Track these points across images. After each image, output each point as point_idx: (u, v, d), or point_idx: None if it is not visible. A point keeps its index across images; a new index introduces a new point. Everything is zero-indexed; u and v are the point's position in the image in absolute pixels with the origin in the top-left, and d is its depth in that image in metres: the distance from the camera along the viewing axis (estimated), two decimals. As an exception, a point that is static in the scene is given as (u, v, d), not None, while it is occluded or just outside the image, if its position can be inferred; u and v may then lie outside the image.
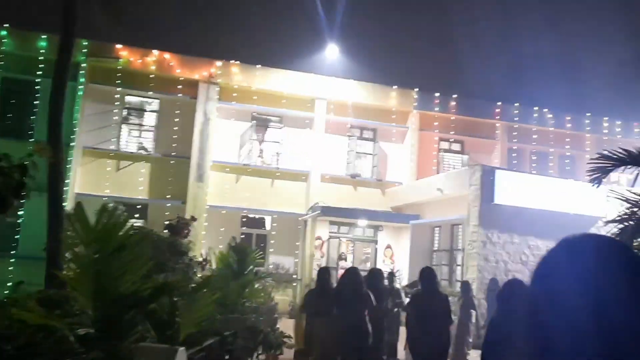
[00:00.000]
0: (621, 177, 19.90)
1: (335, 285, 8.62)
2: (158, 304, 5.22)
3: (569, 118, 22.63)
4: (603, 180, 13.07)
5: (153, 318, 5.13)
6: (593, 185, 15.38)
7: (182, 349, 4.45)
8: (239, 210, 20.65)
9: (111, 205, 5.22)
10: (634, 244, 11.79)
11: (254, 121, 21.71)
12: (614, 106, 21.40)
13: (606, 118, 22.57)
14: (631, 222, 12.15)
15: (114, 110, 20.39)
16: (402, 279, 17.88)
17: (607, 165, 11.97)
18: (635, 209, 12.17)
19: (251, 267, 10.88)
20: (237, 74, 21.01)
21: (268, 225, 21.21)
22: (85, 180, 19.50)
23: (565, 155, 22.96)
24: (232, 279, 9.65)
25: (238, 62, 21.10)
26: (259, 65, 21.23)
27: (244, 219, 21.04)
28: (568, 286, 0.99)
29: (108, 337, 4.35)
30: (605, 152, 12.57)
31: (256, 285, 10.84)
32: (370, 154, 22.64)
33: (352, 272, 8.09)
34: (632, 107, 21.50)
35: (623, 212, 12.66)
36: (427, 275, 7.74)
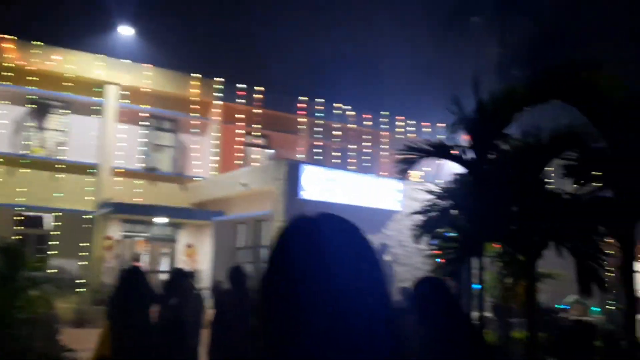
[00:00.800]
0: (413, 173, 20.82)
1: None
2: None
3: (368, 116, 23.34)
4: (403, 174, 13.26)
5: None
6: (399, 178, 15.61)
7: None
8: (13, 208, 17.79)
9: None
10: (438, 231, 12.06)
11: (32, 106, 18.95)
12: (408, 106, 22.50)
13: (401, 117, 23.69)
14: (434, 213, 12.45)
15: None
16: (205, 279, 16.80)
17: (413, 156, 12.15)
18: (438, 200, 12.49)
19: (26, 272, 9.37)
20: (11, 51, 18.11)
21: (50, 225, 18.61)
22: None
23: (364, 152, 23.65)
24: (0, 287, 8.25)
25: (12, 37, 18.21)
26: (39, 43, 18.54)
27: (20, 218, 18.19)
28: (300, 269, 0.97)
29: None
30: (411, 144, 12.77)
31: (32, 293, 9.42)
32: (170, 146, 21.12)
33: (133, 272, 7.18)
34: (423, 107, 22.83)
35: (427, 203, 12.96)
36: (234, 275, 7.42)
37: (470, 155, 11.52)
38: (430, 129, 22.83)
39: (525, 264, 9.71)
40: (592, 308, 19.88)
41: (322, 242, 1.01)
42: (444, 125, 12.95)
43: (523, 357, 10.76)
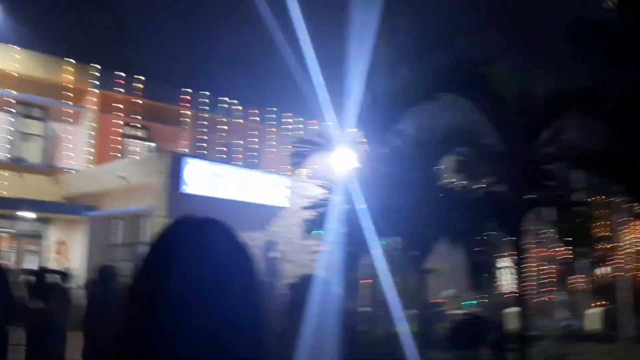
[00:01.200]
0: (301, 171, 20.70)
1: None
2: None
3: (256, 111, 22.86)
4: (296, 167, 13.06)
5: None
6: (287, 174, 15.31)
7: None
8: None
9: None
10: (328, 227, 11.94)
11: None
12: (295, 103, 22.29)
13: (288, 114, 23.43)
14: (324, 208, 12.34)
15: None
16: (77, 278, 15.61)
17: (305, 149, 11.97)
18: (329, 196, 12.39)
19: None
20: None
21: None
22: None
23: (251, 147, 23.17)
24: None
25: None
26: None
27: None
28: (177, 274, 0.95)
29: None
30: (304, 137, 12.60)
31: None
32: (39, 136, 19.40)
33: None
34: (309, 104, 22.71)
35: (317, 199, 12.83)
36: (104, 274, 7.21)
37: (363, 149, 11.55)
38: (317, 127, 22.76)
39: (417, 259, 9.83)
40: (469, 301, 20.85)
41: (200, 248, 0.98)
42: (331, 123, 12.85)
43: (408, 351, 10.88)
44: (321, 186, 11.97)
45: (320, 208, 12.36)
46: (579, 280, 22.46)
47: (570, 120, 7.52)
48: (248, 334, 0.96)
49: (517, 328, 10.38)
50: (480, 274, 9.13)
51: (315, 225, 12.45)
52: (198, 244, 0.98)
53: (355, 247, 11.41)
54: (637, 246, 21.29)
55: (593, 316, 18.65)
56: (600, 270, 22.36)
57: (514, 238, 7.95)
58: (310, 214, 12.69)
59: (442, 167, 9.66)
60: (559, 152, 7.66)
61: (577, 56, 7.26)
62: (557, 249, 19.71)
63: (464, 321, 9.50)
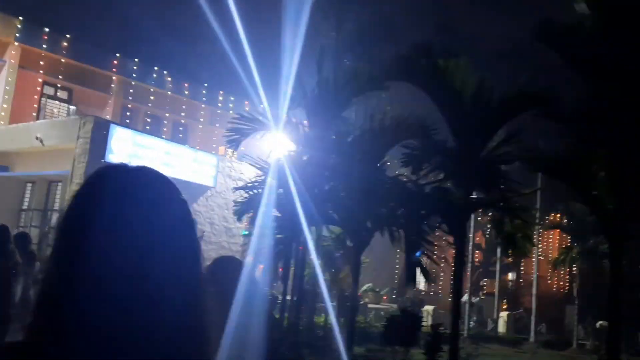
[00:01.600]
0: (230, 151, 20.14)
1: None
2: None
3: (187, 85, 21.91)
4: (233, 145, 12.53)
5: None
6: (230, 148, 14.70)
7: None
8: None
9: None
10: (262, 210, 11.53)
11: None
12: (230, 81, 21.55)
13: (221, 92, 22.61)
14: (260, 190, 11.91)
15: None
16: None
17: (246, 127, 11.48)
18: (263, 179, 11.96)
19: None
20: None
21: None
22: None
23: (180, 122, 22.25)
24: None
25: None
26: None
27: None
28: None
29: None
30: (245, 114, 12.08)
31: None
32: (-54, 86, 17.76)
33: None
34: (240, 83, 22.04)
35: (248, 181, 12.37)
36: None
37: (303, 133, 11.18)
38: (248, 108, 22.11)
39: (352, 250, 9.60)
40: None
41: (135, 195, 0.88)
42: (266, 104, 12.37)
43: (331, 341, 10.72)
44: (256, 167, 11.52)
45: (252, 190, 11.93)
46: (489, 284, 23.20)
47: (534, 123, 7.51)
48: (185, 297, 0.85)
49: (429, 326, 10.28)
50: (414, 270, 9.01)
51: (246, 207, 12.01)
52: (133, 190, 0.88)
53: (287, 233, 11.07)
54: (546, 255, 22.25)
55: (503, 320, 19.30)
56: (511, 276, 23.23)
57: (457, 237, 7.85)
58: (241, 196, 12.23)
59: (388, 158, 9.47)
60: (514, 153, 7.63)
61: (542, 58, 7.25)
62: (467, 252, 20.17)
63: (398, 318, 9.36)
